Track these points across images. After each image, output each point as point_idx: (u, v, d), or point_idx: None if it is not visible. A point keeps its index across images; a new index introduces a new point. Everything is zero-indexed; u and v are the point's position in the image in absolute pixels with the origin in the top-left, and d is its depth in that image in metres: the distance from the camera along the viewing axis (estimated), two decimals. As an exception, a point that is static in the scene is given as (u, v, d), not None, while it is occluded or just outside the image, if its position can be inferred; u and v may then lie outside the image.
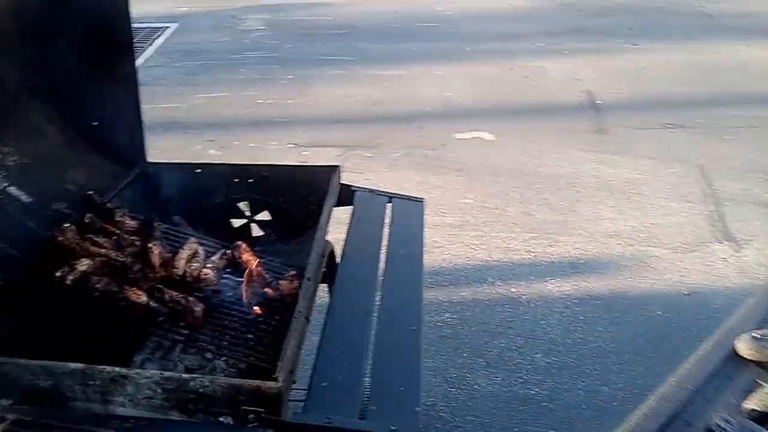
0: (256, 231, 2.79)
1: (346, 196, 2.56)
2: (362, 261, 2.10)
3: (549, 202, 5.28)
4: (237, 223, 2.77)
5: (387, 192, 2.62)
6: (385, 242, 2.29)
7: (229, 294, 2.07)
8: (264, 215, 2.74)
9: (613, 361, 3.67)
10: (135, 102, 2.45)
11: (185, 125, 6.30)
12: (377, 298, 1.98)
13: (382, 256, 2.21)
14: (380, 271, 2.11)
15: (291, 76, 7.72)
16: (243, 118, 6.70)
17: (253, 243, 2.56)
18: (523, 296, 4.22)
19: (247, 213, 2.74)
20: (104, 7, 2.27)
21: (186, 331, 1.88)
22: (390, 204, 2.55)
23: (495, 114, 6.92)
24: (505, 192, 5.42)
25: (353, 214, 2.43)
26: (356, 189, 2.58)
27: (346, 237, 2.26)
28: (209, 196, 2.66)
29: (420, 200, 2.57)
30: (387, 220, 2.46)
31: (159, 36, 8.72)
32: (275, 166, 2.68)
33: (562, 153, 6.08)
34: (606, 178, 5.68)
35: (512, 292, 4.26)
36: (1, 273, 1.84)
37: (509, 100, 7.25)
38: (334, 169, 2.56)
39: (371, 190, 2.59)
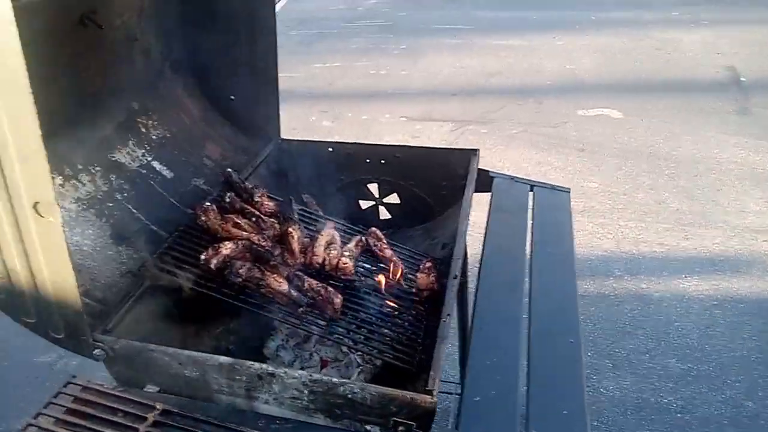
0: (384, 214, 2.68)
1: (484, 181, 2.38)
2: (506, 258, 1.93)
3: (685, 190, 4.82)
4: (365, 204, 2.68)
5: (528, 179, 2.41)
6: (528, 237, 2.09)
7: (365, 284, 1.98)
8: (393, 198, 2.62)
9: (760, 374, 3.30)
10: (273, 77, 2.39)
11: (301, 95, 6.31)
12: (525, 302, 1.80)
13: (527, 252, 2.02)
14: (526, 270, 1.93)
15: (404, 46, 7.54)
16: (356, 89, 6.63)
17: (382, 226, 2.46)
18: (655, 294, 3.88)
19: (376, 195, 2.64)
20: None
21: (323, 322, 1.81)
22: (531, 193, 2.34)
23: (623, 90, 6.41)
24: (635, 176, 5.00)
25: (492, 202, 2.25)
26: (495, 175, 2.40)
27: (487, 229, 2.09)
28: (340, 176, 2.58)
29: (566, 190, 2.34)
30: (529, 211, 2.25)
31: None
32: (409, 147, 2.54)
33: (699, 135, 5.52)
34: (751, 165, 5.11)
35: (642, 288, 3.93)
36: (146, 251, 1.84)
37: (639, 74, 6.69)
38: (472, 153, 2.39)
39: (511, 177, 2.40)
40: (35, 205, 1.31)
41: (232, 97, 2.47)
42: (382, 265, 2.12)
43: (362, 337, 1.84)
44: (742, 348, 3.46)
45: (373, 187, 2.61)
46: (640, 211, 4.62)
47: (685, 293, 3.85)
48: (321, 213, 2.44)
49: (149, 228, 1.97)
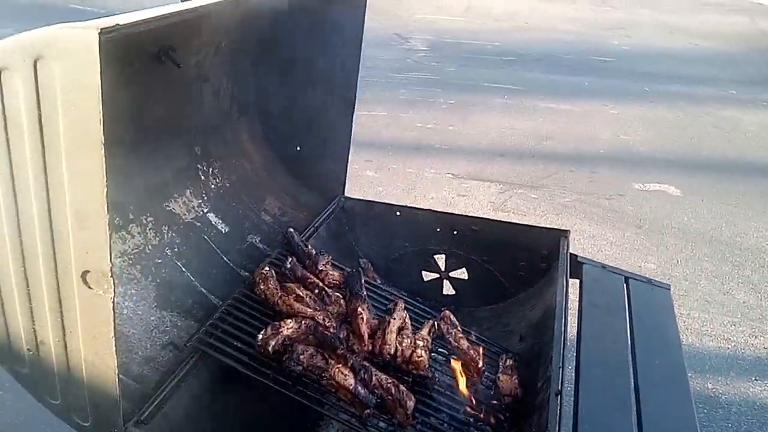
0: (447, 288, 2.42)
1: (572, 267, 2.12)
2: (608, 370, 1.64)
3: (751, 281, 4.47)
4: (428, 276, 2.43)
5: (621, 270, 2.13)
6: (629, 342, 1.80)
7: (440, 382, 1.70)
8: (461, 273, 2.36)
9: None
10: (347, 134, 2.18)
11: (346, 142, 6.15)
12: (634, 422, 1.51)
13: (629, 362, 1.72)
14: (631, 386, 1.63)
15: (452, 101, 7.40)
16: (402, 141, 6.45)
17: (444, 303, 2.20)
18: (722, 396, 3.50)
19: (442, 267, 2.39)
20: (335, 31, 2.00)
21: (389, 426, 1.53)
22: (626, 285, 2.07)
23: (681, 166, 6.12)
24: (696, 261, 4.67)
25: (583, 296, 1.98)
26: (584, 261, 2.13)
27: (580, 330, 1.81)
28: (404, 243, 2.34)
29: (666, 287, 2.06)
30: (626, 309, 1.97)
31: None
32: (488, 220, 2.30)
33: (764, 223, 5.19)
34: (821, 259, 4.74)
35: (708, 388, 3.55)
36: (194, 319, 1.60)
37: (698, 151, 6.41)
38: (562, 234, 2.13)
39: (602, 265, 2.12)
40: (84, 275, 1.08)
41: (299, 148, 2.27)
42: (454, 356, 1.85)
43: (434, 449, 1.56)
44: (825, 472, 3.06)
45: (440, 259, 2.36)
46: (703, 300, 4.27)
47: (756, 399, 3.47)
48: (379, 281, 2.20)
49: (199, 291, 1.73)
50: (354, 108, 2.16)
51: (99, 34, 0.88)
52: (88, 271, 1.07)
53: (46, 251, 1.08)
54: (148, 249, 1.69)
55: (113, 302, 1.08)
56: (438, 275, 2.37)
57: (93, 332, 1.12)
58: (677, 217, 5.25)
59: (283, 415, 1.64)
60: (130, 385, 1.42)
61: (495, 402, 1.69)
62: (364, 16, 2.08)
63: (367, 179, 5.52)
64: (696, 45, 9.79)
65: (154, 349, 1.51)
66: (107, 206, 0.99)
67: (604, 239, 4.90)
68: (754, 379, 3.59)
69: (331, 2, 2.00)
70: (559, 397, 1.44)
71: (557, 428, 1.37)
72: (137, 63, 1.42)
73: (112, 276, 1.06)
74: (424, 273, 2.38)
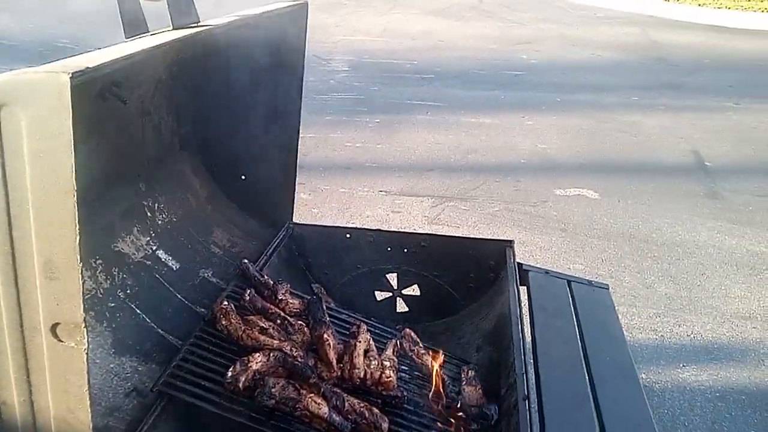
0: (401, 306, 2.47)
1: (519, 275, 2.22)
2: (563, 370, 1.73)
3: (669, 274, 4.80)
4: (381, 295, 2.46)
5: (563, 274, 2.26)
6: (579, 342, 1.91)
7: (408, 399, 1.73)
8: (413, 289, 2.42)
9: (774, 475, 3.14)
10: (292, 160, 2.19)
11: (276, 165, 6.10)
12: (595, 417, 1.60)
13: (582, 361, 1.83)
14: (587, 383, 1.73)
15: (378, 120, 7.52)
16: (332, 161, 6.49)
17: (398, 320, 2.24)
18: (656, 385, 3.73)
19: (394, 286, 2.43)
20: (275, 57, 2.02)
21: (366, 448, 1.54)
22: (569, 288, 2.19)
23: (596, 170, 6.51)
24: (619, 259, 4.97)
25: (532, 301, 2.08)
26: (529, 268, 2.24)
27: (534, 334, 1.90)
28: (357, 264, 2.36)
29: (605, 287, 2.20)
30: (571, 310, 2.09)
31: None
32: (437, 236, 2.37)
33: (675, 218, 5.61)
34: (729, 249, 5.17)
35: (643, 378, 3.77)
36: (159, 364, 1.55)
37: (610, 155, 6.84)
38: (506, 244, 2.23)
39: (546, 271, 2.24)
40: (54, 327, 1.04)
41: (243, 177, 2.25)
42: (417, 373, 1.89)
43: (409, 466, 1.58)
44: (752, 445, 3.33)
45: (392, 277, 2.40)
46: (629, 295, 4.55)
47: (686, 384, 3.72)
48: (333, 305, 2.21)
49: (156, 332, 1.68)
50: (298, 134, 2.18)
51: (70, 78, 0.86)
52: (58, 324, 1.03)
53: (10, 306, 1.03)
54: (100, 293, 1.63)
55: (87, 353, 1.04)
56: (391, 294, 2.41)
57: (64, 387, 1.08)
58: (597, 218, 5.56)
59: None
60: (96, 439, 1.36)
61: (462, 414, 1.74)
62: (305, 38, 2.11)
63: (302, 202, 5.50)
64: (597, 56, 10.47)
65: (117, 398, 1.45)
66: (80, 255, 0.96)
67: (533, 245, 5.12)
68: (682, 365, 3.86)
69: (269, 30, 2.01)
70: (527, 401, 1.51)
71: (529, 431, 1.43)
72: (81, 104, 1.37)
73: (85, 326, 1.03)
74: (377, 293, 2.41)
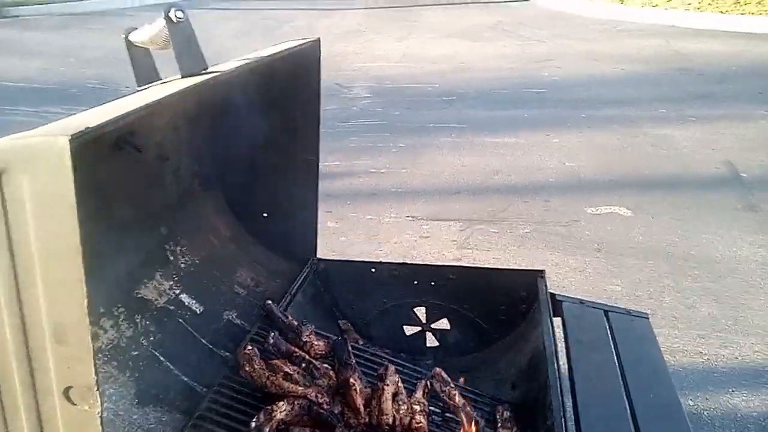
0: (431, 340, 2.39)
1: (552, 306, 2.13)
2: (605, 411, 1.63)
3: (712, 293, 4.61)
4: (410, 330, 2.39)
5: (600, 303, 2.16)
6: (620, 379, 1.80)
7: (441, 444, 1.65)
8: (442, 323, 2.34)
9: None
10: (312, 195, 2.15)
11: (301, 195, 6.10)
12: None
13: (625, 400, 1.72)
14: (631, 426, 1.62)
15: (402, 145, 7.50)
16: (358, 188, 6.47)
17: (429, 355, 2.16)
18: (704, 412, 3.55)
19: (423, 319, 2.36)
20: (291, 92, 2.00)
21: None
22: (606, 318, 2.08)
23: (627, 186, 6.35)
24: (657, 279, 4.79)
25: (567, 334, 1.98)
26: (563, 299, 2.14)
27: (571, 371, 1.80)
28: (383, 299, 2.30)
29: (645, 316, 2.09)
30: (611, 343, 1.98)
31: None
32: (464, 267, 2.30)
33: (713, 233, 5.41)
34: (772, 264, 4.95)
35: (690, 405, 3.59)
36: (182, 413, 1.51)
37: (641, 171, 6.68)
38: (538, 274, 2.15)
39: (581, 301, 2.14)
40: (66, 391, 1.00)
41: (265, 215, 2.22)
42: (449, 415, 1.81)
43: None
44: (812, 474, 3.12)
45: (420, 311, 2.33)
46: (670, 316, 4.37)
47: (737, 410, 3.53)
48: (361, 342, 2.15)
49: (180, 380, 1.64)
50: (318, 167, 2.15)
51: (69, 141, 0.84)
52: (71, 387, 1.00)
53: (23, 370, 1.00)
54: (123, 342, 1.60)
55: (101, 417, 1.00)
56: (420, 328, 2.34)
57: (80, 452, 1.04)
58: (632, 236, 5.40)
59: None
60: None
61: (499, 458, 1.66)
62: (319, 74, 2.09)
63: (329, 230, 5.48)
64: (621, 69, 10.33)
65: (140, 452, 1.42)
66: (89, 317, 0.93)
67: (566, 266, 4.98)
68: (731, 390, 3.67)
69: (284, 64, 1.99)
70: (567, 449, 1.42)
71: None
72: (96, 155, 1.36)
73: (98, 389, 0.99)
74: (405, 327, 2.35)
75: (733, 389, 3.67)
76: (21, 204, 0.90)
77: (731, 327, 4.21)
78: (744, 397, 3.60)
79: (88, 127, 0.88)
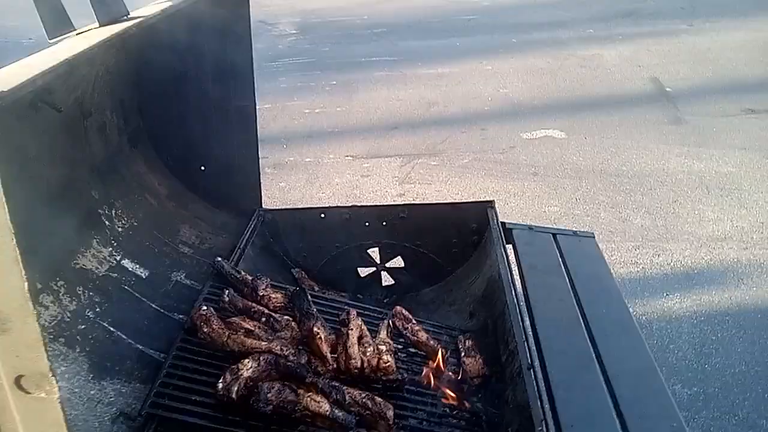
0: (386, 279, 2.40)
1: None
2: (561, 330, 1.69)
3: (643, 205, 4.83)
4: (364, 271, 2.38)
5: (547, 227, 2.20)
6: (572, 297, 1.87)
7: (408, 380, 1.68)
8: (396, 261, 2.34)
9: (764, 389, 3.23)
10: (252, 140, 2.05)
11: (235, 143, 5.89)
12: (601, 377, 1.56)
13: (579, 317, 1.79)
14: (587, 341, 1.69)
15: (334, 82, 7.31)
16: (293, 131, 6.30)
17: (385, 294, 2.17)
18: (643, 317, 3.78)
19: (377, 260, 2.35)
20: (220, 36, 1.86)
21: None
22: (555, 241, 2.14)
23: (560, 109, 6.47)
24: (592, 196, 4.98)
25: (520, 259, 2.02)
26: (512, 226, 2.17)
27: (527, 294, 1.85)
28: (335, 244, 2.27)
29: (591, 235, 2.15)
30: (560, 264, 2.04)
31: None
32: (415, 205, 2.28)
33: (642, 148, 5.62)
34: (697, 173, 5.23)
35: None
36: (143, 382, 1.45)
37: (571, 93, 6.80)
38: (488, 205, 2.16)
39: (530, 227, 2.18)
40: (18, 380, 0.92)
41: (203, 168, 2.11)
42: (412, 349, 1.83)
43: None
44: (740, 363, 3.40)
45: (374, 252, 2.32)
46: (606, 230, 4.56)
47: (672, 312, 3.78)
48: (317, 288, 2.13)
49: (135, 349, 1.57)
50: (256, 114, 2.04)
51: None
52: (22, 376, 0.92)
53: (-39, 364, 0.91)
54: (67, 317, 1.50)
55: (60, 402, 0.94)
56: (374, 268, 2.33)
57: (40, 441, 0.97)
58: (567, 158, 5.55)
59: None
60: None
61: (464, 386, 1.70)
62: (248, 12, 1.95)
63: (267, 176, 5.33)
64: (547, -9, 10.28)
65: (103, 427, 1.36)
66: (32, 298, 0.84)
67: (506, 192, 5.09)
68: (665, 294, 3.90)
69: (207, 11, 1.84)
70: (531, 370, 1.46)
71: (538, 402, 1.39)
72: (10, 120, 1.22)
73: (53, 375, 0.92)
74: (360, 269, 2.33)
75: (668, 293, 3.91)
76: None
77: (663, 235, 4.44)
78: (678, 300, 3.85)
79: (2, 91, 0.76)
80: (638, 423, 1.41)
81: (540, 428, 1.29)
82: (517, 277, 2.01)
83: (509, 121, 6.22)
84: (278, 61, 7.95)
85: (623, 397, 1.49)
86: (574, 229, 2.34)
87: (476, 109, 6.53)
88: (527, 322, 1.72)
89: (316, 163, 5.65)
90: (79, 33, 1.34)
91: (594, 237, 2.16)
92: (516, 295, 1.78)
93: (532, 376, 1.44)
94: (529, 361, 1.48)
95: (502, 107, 6.57)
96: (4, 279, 0.85)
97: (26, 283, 0.85)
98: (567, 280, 1.93)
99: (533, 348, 1.57)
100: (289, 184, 5.17)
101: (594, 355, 1.63)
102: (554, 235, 2.16)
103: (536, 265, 1.98)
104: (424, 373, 1.68)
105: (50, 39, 1.41)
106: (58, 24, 1.43)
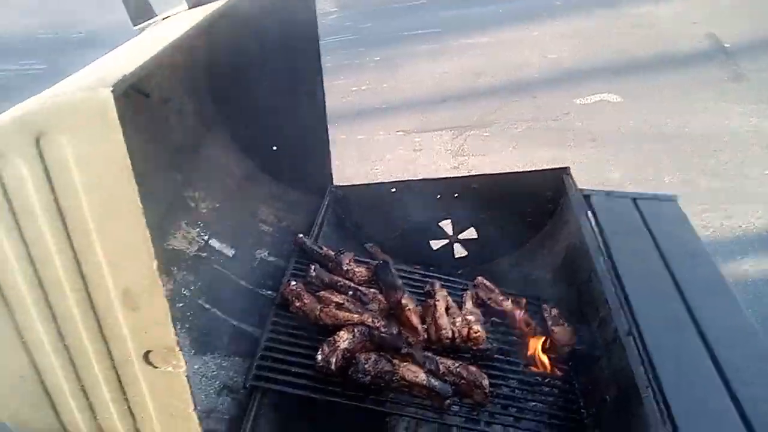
0: (459, 251, 2.38)
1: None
2: (655, 295, 1.64)
3: (709, 167, 4.65)
4: (436, 244, 2.37)
5: (626, 192, 2.14)
6: (660, 261, 1.81)
7: (498, 349, 1.67)
8: (469, 233, 2.32)
9: None
10: (321, 119, 2.05)
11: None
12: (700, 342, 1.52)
13: (670, 282, 1.73)
14: (682, 305, 1.64)
15: (378, 58, 7.24)
16: (342, 109, 6.28)
17: (458, 267, 2.16)
18: (716, 282, 3.65)
19: (449, 232, 2.34)
20: (287, 25, 1.86)
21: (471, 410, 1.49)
22: (636, 206, 2.07)
23: (613, 72, 6.25)
24: (656, 160, 4.81)
25: (602, 226, 1.97)
26: (590, 192, 2.12)
27: (612, 259, 1.80)
28: (407, 217, 2.26)
29: (674, 198, 2.08)
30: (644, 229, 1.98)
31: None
32: (487, 175, 2.25)
33: (704, 108, 5.39)
34: (764, 131, 4.98)
35: (701, 277, 3.69)
36: (242, 356, 1.49)
37: (624, 54, 6.55)
38: (563, 172, 2.11)
39: (607, 193, 2.12)
40: (146, 355, 0.96)
41: (275, 148, 2.13)
42: (497, 319, 1.82)
43: (512, 418, 1.53)
44: (824, 325, 3.27)
45: (446, 224, 2.31)
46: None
47: (747, 276, 3.65)
48: (391, 263, 2.13)
49: (231, 324, 1.62)
50: (324, 94, 2.04)
51: (112, 92, 0.75)
52: (150, 351, 0.96)
53: (95, 340, 0.95)
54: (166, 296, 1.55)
55: (187, 375, 0.97)
56: (447, 240, 2.32)
57: (169, 412, 1.01)
58: (624, 122, 5.37)
59: (356, 430, 1.58)
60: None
61: (554, 355, 1.68)
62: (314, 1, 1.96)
63: (320, 157, 5.36)
64: (592, -51, 9.89)
65: (210, 399, 1.41)
66: (161, 279, 0.87)
67: (564, 160, 4.94)
68: (740, 258, 3.77)
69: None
70: (631, 336, 1.43)
71: (642, 369, 1.36)
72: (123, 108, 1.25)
73: (180, 349, 0.95)
74: (432, 242, 2.33)
75: (741, 256, 3.78)
76: (66, 168, 0.82)
77: (732, 198, 4.28)
78: (753, 263, 3.71)
79: (125, 75, 0.78)
80: (744, 390, 1.37)
81: (646, 395, 1.27)
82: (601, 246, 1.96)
83: (561, 87, 6.05)
84: (322, 40, 7.92)
85: (726, 361, 1.45)
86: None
87: (525, 77, 6.37)
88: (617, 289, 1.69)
89: (368, 140, 5.64)
90: (165, 18, 1.36)
91: (677, 200, 2.09)
92: (605, 260, 1.75)
93: (632, 342, 1.42)
94: (627, 327, 1.45)
95: (552, 73, 6.39)
96: (135, 258, 0.87)
97: (155, 262, 0.87)
98: (653, 244, 1.88)
99: (628, 313, 1.54)
100: (342, 162, 5.17)
101: (690, 318, 1.58)
102: (634, 199, 2.10)
103: (618, 230, 1.93)
104: (511, 342, 1.67)
105: (135, 26, 1.43)
106: (141, 10, 1.46)
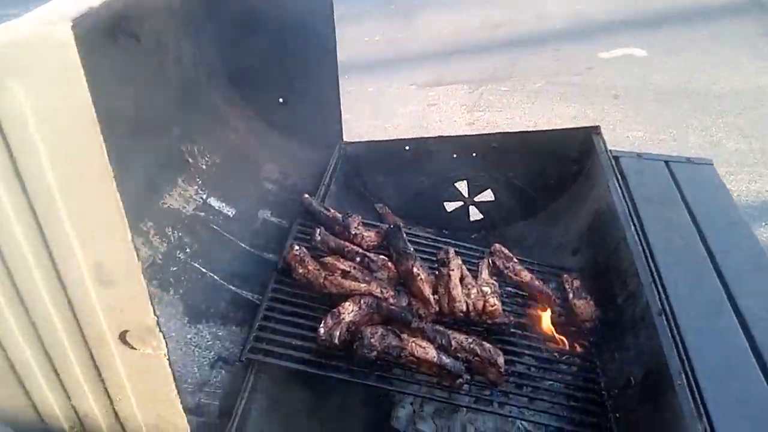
0: (474, 214, 2.25)
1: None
2: (687, 270, 1.51)
3: (736, 127, 4.43)
4: (450, 206, 2.24)
5: (658, 155, 1.98)
6: (695, 231, 1.67)
7: (514, 323, 1.55)
8: (486, 195, 2.18)
9: None
10: (332, 72, 1.89)
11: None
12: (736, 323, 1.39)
13: (704, 254, 1.59)
14: (717, 282, 1.51)
15: (392, 7, 6.94)
16: (354, 60, 6.04)
17: (472, 229, 2.03)
18: (739, 249, 3.50)
19: (465, 194, 2.20)
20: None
21: (484, 389, 1.39)
22: (669, 169, 1.92)
23: (639, 25, 5.95)
24: (680, 119, 4.60)
25: (631, 190, 1.81)
26: (619, 154, 1.96)
27: (642, 228, 1.66)
28: (420, 177, 2.13)
29: (709, 162, 1.92)
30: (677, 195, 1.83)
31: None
32: (508, 134, 2.09)
33: (734, 65, 5.12)
34: (797, 90, 4.72)
35: (724, 244, 3.54)
36: (239, 325, 1.39)
37: (651, 6, 6.23)
38: (592, 131, 1.95)
39: (638, 154, 1.97)
40: (123, 335, 0.85)
41: (281, 100, 1.98)
42: (510, 288, 1.70)
43: (527, 398, 1.43)
44: None
45: (461, 185, 2.17)
46: (696, 156, 4.21)
47: (772, 245, 3.49)
48: (402, 225, 2.00)
49: (228, 290, 1.51)
50: (335, 43, 1.88)
51: (73, 27, 0.61)
52: (127, 331, 0.85)
53: (64, 317, 0.84)
54: (159, 259, 1.44)
55: (168, 357, 0.86)
56: (462, 203, 2.18)
57: (150, 395, 0.91)
58: (649, 77, 5.12)
59: (358, 406, 1.49)
60: (192, 421, 1.22)
61: (574, 329, 1.57)
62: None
63: (330, 110, 5.18)
64: None
65: (203, 372, 1.31)
66: (138, 254, 0.75)
67: (584, 117, 4.76)
68: (763, 224, 3.61)
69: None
70: (663, 316, 1.31)
71: (674, 351, 1.24)
72: (101, 48, 1.10)
73: (159, 329, 0.84)
74: (446, 204, 2.20)
75: (765, 223, 3.62)
76: (21, 120, 0.68)
77: (760, 160, 4.08)
78: (780, 231, 3.55)
79: (91, 8, 0.63)
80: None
81: (680, 383, 1.15)
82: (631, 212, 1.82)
83: (584, 40, 5.77)
84: (334, -15, 7.60)
85: (765, 344, 1.33)
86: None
87: (547, 29, 6.08)
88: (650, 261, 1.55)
89: (380, 93, 5.44)
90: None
91: (713, 164, 1.93)
92: (635, 230, 1.61)
93: (665, 322, 1.29)
94: (660, 306, 1.33)
95: (576, 25, 6.09)
96: (107, 227, 0.75)
97: (130, 235, 0.75)
98: (687, 212, 1.73)
99: (660, 289, 1.41)
100: (352, 116, 5.00)
101: (727, 298, 1.45)
102: (667, 162, 1.94)
103: (650, 196, 1.78)
104: (528, 315, 1.56)
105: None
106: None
